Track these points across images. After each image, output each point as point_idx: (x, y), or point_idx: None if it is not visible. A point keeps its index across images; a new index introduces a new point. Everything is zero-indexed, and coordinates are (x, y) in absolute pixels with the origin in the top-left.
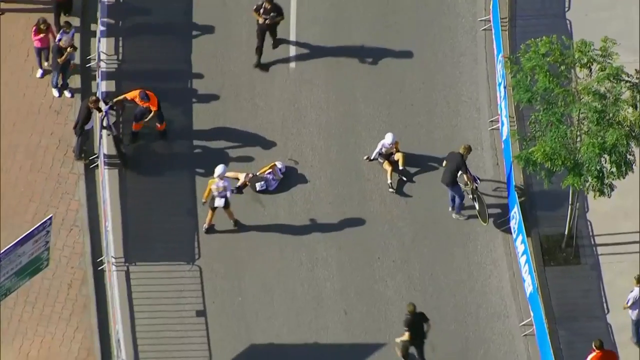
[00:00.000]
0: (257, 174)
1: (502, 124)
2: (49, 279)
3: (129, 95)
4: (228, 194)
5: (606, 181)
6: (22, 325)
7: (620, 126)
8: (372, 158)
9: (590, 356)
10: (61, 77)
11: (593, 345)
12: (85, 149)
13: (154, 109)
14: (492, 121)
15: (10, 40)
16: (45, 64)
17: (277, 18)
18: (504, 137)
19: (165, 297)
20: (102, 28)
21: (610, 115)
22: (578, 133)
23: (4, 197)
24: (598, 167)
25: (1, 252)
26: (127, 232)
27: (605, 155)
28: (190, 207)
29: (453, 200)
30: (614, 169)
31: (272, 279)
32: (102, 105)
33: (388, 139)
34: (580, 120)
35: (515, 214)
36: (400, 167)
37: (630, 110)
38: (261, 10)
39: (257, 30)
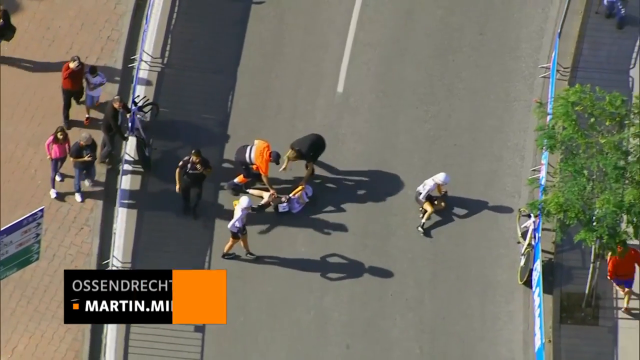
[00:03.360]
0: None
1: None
2: (50, 275)
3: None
4: (237, 224)
5: (619, 240)
6: (14, 319)
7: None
8: (422, 197)
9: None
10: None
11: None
12: (111, 151)
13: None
14: (534, 170)
15: None
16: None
17: (205, 170)
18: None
19: None
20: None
21: (632, 173)
22: (596, 187)
23: (19, 186)
24: (612, 225)
25: None
26: (139, 238)
27: (623, 215)
28: (207, 219)
29: None
30: (630, 229)
31: (279, 303)
32: (130, 105)
33: (441, 178)
34: (599, 174)
35: (538, 266)
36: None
37: None
38: (188, 166)
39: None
